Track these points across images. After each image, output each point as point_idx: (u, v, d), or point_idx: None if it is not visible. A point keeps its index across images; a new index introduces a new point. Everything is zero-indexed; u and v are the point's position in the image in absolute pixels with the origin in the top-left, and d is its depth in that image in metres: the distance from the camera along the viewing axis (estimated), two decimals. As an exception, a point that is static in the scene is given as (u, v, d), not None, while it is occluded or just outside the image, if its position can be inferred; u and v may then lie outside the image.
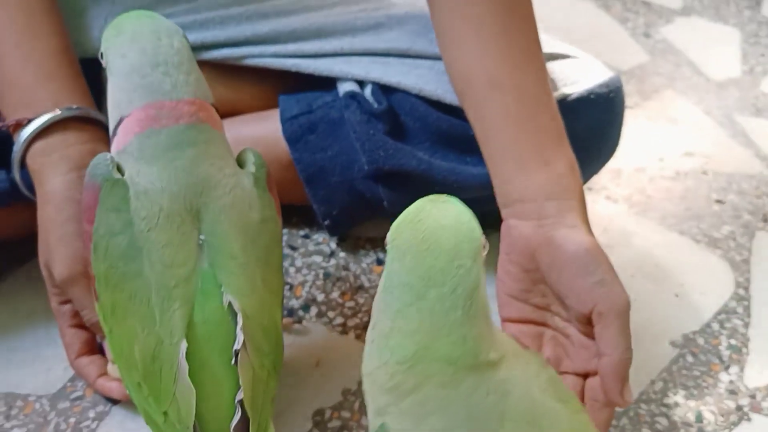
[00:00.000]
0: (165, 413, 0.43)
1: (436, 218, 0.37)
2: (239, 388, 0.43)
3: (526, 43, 0.54)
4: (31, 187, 0.55)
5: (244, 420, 0.43)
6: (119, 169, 0.46)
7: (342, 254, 0.66)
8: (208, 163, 0.46)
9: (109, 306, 0.45)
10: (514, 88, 0.52)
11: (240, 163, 0.49)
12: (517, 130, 0.52)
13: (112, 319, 0.45)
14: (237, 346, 0.43)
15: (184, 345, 0.43)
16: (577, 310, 0.47)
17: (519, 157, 0.51)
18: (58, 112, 0.54)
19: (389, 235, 0.38)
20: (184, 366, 0.42)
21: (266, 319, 0.46)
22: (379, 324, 0.37)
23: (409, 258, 0.36)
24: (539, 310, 0.51)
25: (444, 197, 0.39)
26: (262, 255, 0.47)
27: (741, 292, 0.67)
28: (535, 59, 0.54)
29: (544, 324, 0.51)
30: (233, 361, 0.43)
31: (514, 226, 0.51)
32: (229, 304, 0.44)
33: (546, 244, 0.48)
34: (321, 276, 0.64)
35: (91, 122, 0.55)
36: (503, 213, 0.53)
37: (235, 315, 0.44)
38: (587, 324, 0.48)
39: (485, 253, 0.38)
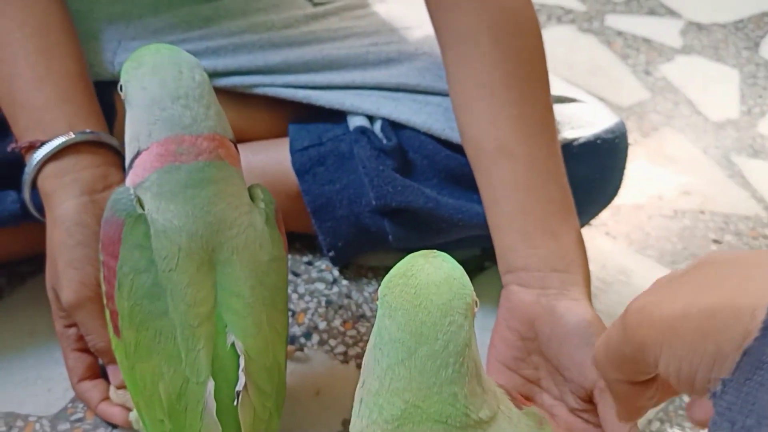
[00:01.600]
0: None
1: (428, 274, 0.37)
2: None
3: (538, 112, 0.55)
4: (40, 209, 0.56)
5: None
6: (140, 204, 0.46)
7: (344, 282, 0.67)
8: (225, 202, 0.46)
9: (132, 343, 0.45)
10: (524, 157, 0.53)
11: (250, 198, 0.49)
12: (524, 200, 0.52)
13: (135, 356, 0.45)
14: (239, 387, 0.44)
15: (211, 384, 0.44)
16: (578, 383, 0.47)
17: (525, 227, 0.51)
18: (72, 135, 0.54)
19: (380, 291, 0.38)
20: (212, 404, 0.43)
21: (270, 359, 0.46)
22: (368, 381, 0.37)
23: (400, 314, 0.36)
24: (529, 384, 0.50)
25: (435, 253, 0.38)
26: (269, 295, 0.47)
27: (736, 332, 0.68)
28: (547, 129, 0.55)
29: (531, 399, 0.50)
30: (235, 402, 0.44)
31: (515, 292, 0.51)
32: (233, 344, 0.45)
33: (547, 313, 0.48)
34: (323, 303, 0.65)
35: (103, 146, 0.56)
36: (504, 279, 0.53)
37: (238, 356, 0.44)
38: (585, 399, 0.47)
39: (476, 310, 0.38)
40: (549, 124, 0.55)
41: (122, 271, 0.45)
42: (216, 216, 0.46)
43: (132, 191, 0.46)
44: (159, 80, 0.46)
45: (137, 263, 0.45)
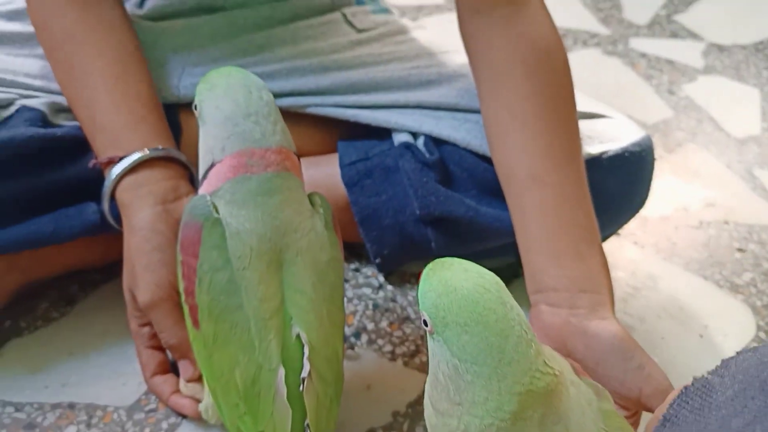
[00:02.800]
0: (261, 431, 0.48)
1: (464, 281, 0.39)
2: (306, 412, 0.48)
3: (567, 142, 0.59)
4: (117, 219, 0.61)
5: None
6: (215, 209, 0.51)
7: (389, 287, 0.72)
8: (291, 208, 0.51)
9: (211, 335, 0.50)
10: (553, 185, 0.56)
11: (310, 204, 0.54)
12: (554, 225, 0.56)
13: (213, 346, 0.50)
14: (304, 374, 0.48)
15: (281, 371, 0.48)
16: (622, 394, 0.50)
17: (555, 250, 0.55)
18: (146, 151, 0.60)
19: (437, 316, 0.39)
20: (283, 389, 0.48)
21: (330, 350, 0.51)
22: (467, 396, 0.39)
23: (474, 325, 0.38)
24: None
25: (448, 262, 0.41)
26: (328, 292, 0.52)
27: (762, 335, 0.71)
28: (575, 158, 0.59)
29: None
30: (300, 388, 0.48)
31: (544, 312, 0.54)
32: (297, 335, 0.49)
33: (580, 333, 0.51)
34: (370, 306, 0.70)
35: (173, 161, 0.61)
36: (532, 299, 0.56)
37: (303, 346, 0.49)
38: (630, 408, 0.51)
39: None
40: (576, 153, 0.59)
41: (202, 269, 0.50)
42: (282, 221, 0.51)
43: (208, 198, 0.51)
44: (231, 100, 0.52)
45: (215, 262, 0.50)
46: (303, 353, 0.49)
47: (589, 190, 0.59)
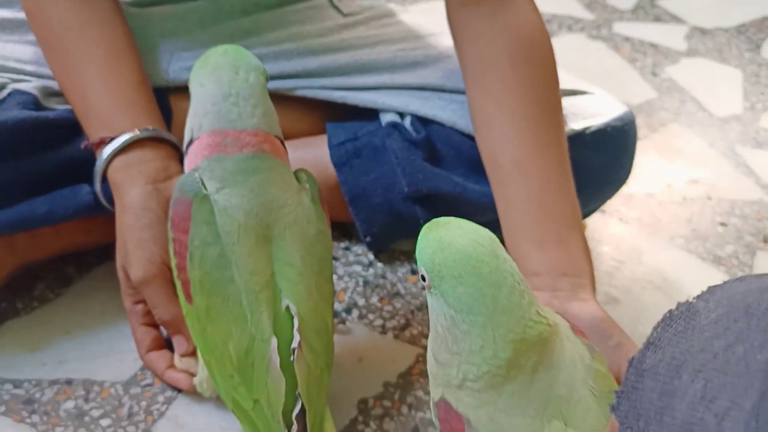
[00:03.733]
0: (256, 401, 0.49)
1: (458, 237, 0.41)
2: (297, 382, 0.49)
3: (552, 131, 0.60)
4: (110, 199, 0.62)
5: (303, 410, 0.49)
6: (204, 186, 0.52)
7: (379, 264, 0.73)
8: (276, 186, 0.52)
9: (203, 308, 0.51)
10: (538, 173, 0.58)
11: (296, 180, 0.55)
12: (538, 213, 0.57)
13: (206, 319, 0.51)
14: (294, 344, 0.49)
15: (274, 341, 0.49)
16: None
17: (538, 237, 0.56)
18: (137, 132, 0.61)
19: (429, 269, 0.41)
20: (276, 359, 0.49)
21: (319, 321, 0.52)
22: (463, 345, 0.40)
23: (468, 277, 0.40)
24: None
25: (444, 220, 0.43)
26: (317, 264, 0.53)
27: (743, 304, 0.73)
28: (559, 148, 0.60)
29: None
30: (291, 358, 0.49)
31: None
32: (287, 307, 0.50)
33: (561, 314, 0.51)
34: (361, 283, 0.71)
35: (164, 142, 0.63)
36: None
37: (292, 318, 0.50)
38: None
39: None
40: (560, 142, 0.60)
41: (193, 244, 0.51)
42: (267, 197, 0.52)
43: (197, 175, 0.52)
44: (216, 79, 0.53)
45: (205, 237, 0.51)
46: (293, 325, 0.50)
47: (572, 173, 0.60)
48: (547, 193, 0.57)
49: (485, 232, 0.42)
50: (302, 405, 0.49)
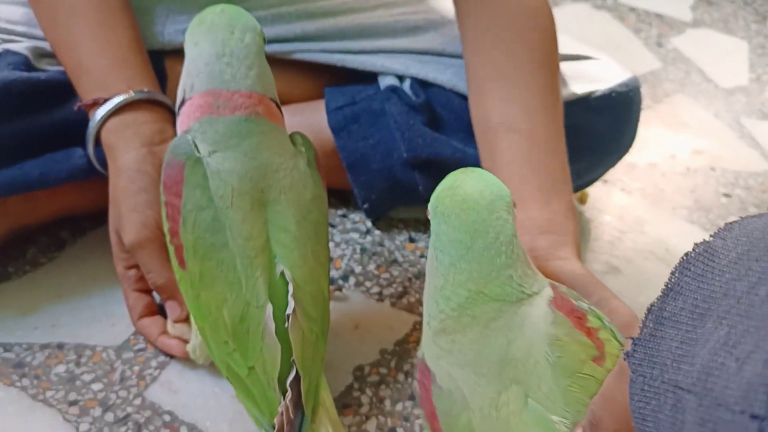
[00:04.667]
0: (251, 368, 0.48)
1: (471, 184, 0.42)
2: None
3: (546, 95, 0.59)
4: (103, 163, 0.61)
5: (297, 377, 0.48)
6: (197, 149, 0.50)
7: (377, 232, 0.72)
8: (270, 150, 0.51)
9: (197, 273, 0.49)
10: (525, 132, 0.57)
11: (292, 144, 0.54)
12: (522, 171, 0.55)
13: (200, 284, 0.50)
14: (288, 311, 0.48)
15: (269, 307, 0.48)
16: None
17: (520, 194, 0.54)
18: (131, 93, 0.59)
19: (431, 204, 0.43)
20: (271, 325, 0.48)
21: (315, 287, 0.51)
22: (433, 281, 0.42)
23: (453, 218, 0.41)
24: None
25: (472, 168, 0.44)
26: (312, 229, 0.52)
27: (746, 276, 0.72)
28: (552, 110, 0.58)
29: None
30: (285, 324, 0.48)
31: None
32: (282, 273, 0.49)
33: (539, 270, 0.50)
34: (358, 251, 0.70)
35: (158, 104, 0.61)
36: None
37: (287, 283, 0.49)
38: None
39: (519, 214, 0.43)
40: (553, 107, 0.59)
41: (186, 208, 0.50)
42: (262, 161, 0.50)
43: (189, 138, 0.51)
44: (211, 38, 0.51)
45: (199, 201, 0.49)
46: (288, 291, 0.49)
47: (565, 137, 0.58)
48: (533, 150, 0.56)
49: (501, 190, 0.42)
50: (297, 372, 0.48)
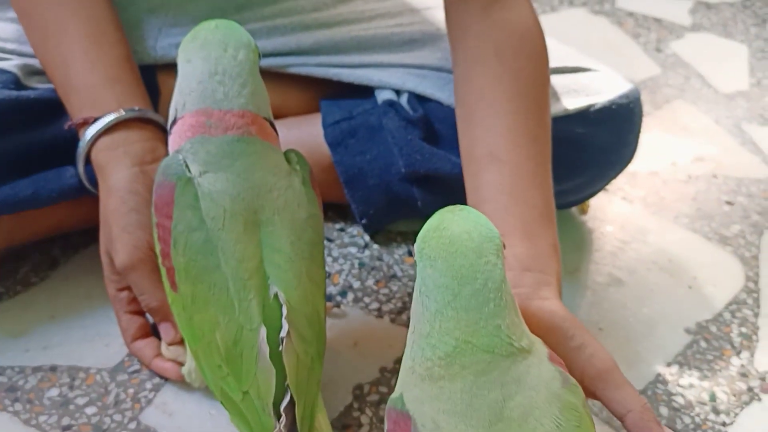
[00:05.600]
0: (245, 392, 0.47)
1: (458, 225, 0.40)
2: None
3: (533, 123, 0.57)
4: (94, 183, 0.60)
5: (292, 401, 0.46)
6: (188, 169, 0.49)
7: (375, 246, 0.71)
8: (263, 170, 0.49)
9: (189, 296, 0.48)
10: (510, 163, 0.55)
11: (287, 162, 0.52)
12: (506, 203, 0.54)
13: (192, 307, 0.48)
14: (283, 333, 0.47)
15: (263, 330, 0.47)
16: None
17: (504, 228, 0.52)
18: (122, 112, 0.58)
19: (417, 245, 0.41)
20: (265, 349, 0.46)
21: (310, 309, 0.49)
22: (418, 326, 0.40)
23: (440, 262, 0.39)
24: None
25: (460, 207, 0.42)
26: (307, 249, 0.50)
27: (751, 285, 0.71)
28: (538, 141, 0.57)
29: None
30: (279, 348, 0.47)
31: None
32: (275, 295, 0.48)
33: (522, 311, 0.47)
34: (356, 265, 0.69)
35: (150, 123, 0.60)
36: None
37: (281, 305, 0.47)
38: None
39: (505, 251, 0.41)
40: (541, 137, 0.57)
41: (177, 230, 0.48)
42: (255, 182, 0.49)
43: (181, 157, 0.50)
44: (204, 55, 0.50)
45: (190, 222, 0.48)
46: (282, 313, 0.47)
47: (551, 173, 0.57)
48: (519, 182, 0.54)
49: (490, 231, 0.40)
50: (291, 396, 0.46)
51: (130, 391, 0.57)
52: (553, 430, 0.38)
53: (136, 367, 0.59)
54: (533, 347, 0.40)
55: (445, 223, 0.40)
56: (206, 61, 0.49)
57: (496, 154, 0.55)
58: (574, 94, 0.69)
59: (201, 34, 0.51)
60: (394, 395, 0.42)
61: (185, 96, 0.50)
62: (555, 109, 0.67)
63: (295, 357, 0.47)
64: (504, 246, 0.41)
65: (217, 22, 0.51)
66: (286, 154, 0.53)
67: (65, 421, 0.55)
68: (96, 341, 0.61)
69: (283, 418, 0.46)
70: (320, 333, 0.51)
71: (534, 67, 0.59)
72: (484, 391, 0.38)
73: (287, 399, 0.46)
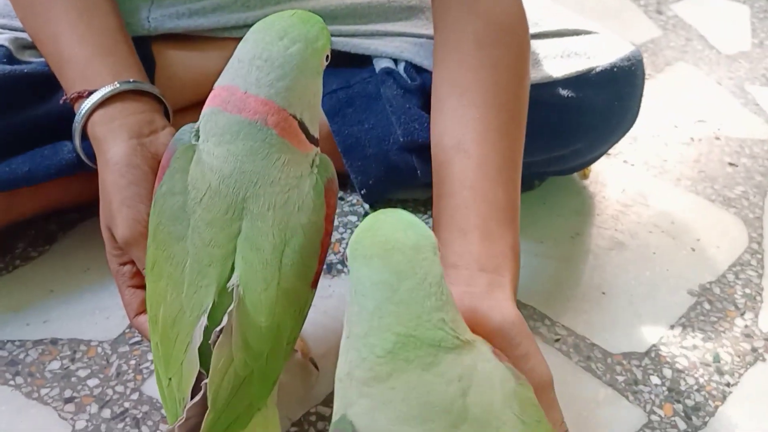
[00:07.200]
0: (170, 379, 0.44)
1: (392, 225, 0.39)
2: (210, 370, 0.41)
3: (506, 116, 0.55)
4: (92, 157, 0.60)
5: (205, 406, 0.41)
6: (197, 137, 0.47)
7: (376, 215, 0.71)
8: (267, 160, 0.45)
9: (151, 261, 0.46)
10: (477, 157, 0.53)
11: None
12: (468, 199, 0.52)
13: (150, 275, 0.46)
14: (218, 328, 0.42)
15: (203, 321, 0.43)
16: None
17: (463, 225, 0.51)
18: (117, 84, 0.57)
19: (350, 249, 0.39)
20: (197, 341, 0.42)
21: (270, 322, 0.44)
22: (354, 330, 0.38)
23: (376, 260, 0.38)
24: None
25: (392, 209, 0.40)
26: (292, 257, 0.45)
27: (755, 246, 0.70)
28: (511, 134, 0.55)
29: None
30: (210, 340, 0.42)
31: None
32: (231, 289, 0.43)
33: (470, 312, 0.46)
34: (357, 235, 0.69)
35: (146, 95, 0.59)
36: None
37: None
38: None
39: (447, 250, 0.40)
40: (511, 132, 0.56)
41: (160, 191, 0.47)
42: (254, 169, 0.45)
43: (195, 126, 0.48)
44: (258, 38, 0.47)
45: (174, 185, 0.46)
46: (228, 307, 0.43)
47: (520, 170, 0.55)
48: (483, 178, 0.52)
49: (425, 231, 0.39)
50: (205, 399, 0.41)
51: (132, 362, 0.57)
52: (518, 425, 0.37)
53: (138, 338, 0.59)
54: (476, 342, 0.39)
55: (378, 225, 0.39)
56: (256, 44, 0.46)
57: (463, 147, 0.54)
58: (575, 57, 0.67)
59: (272, 18, 0.48)
60: (335, 419, 0.38)
61: (225, 71, 0.48)
62: (553, 73, 0.66)
63: (226, 360, 0.42)
64: (438, 246, 0.40)
65: (297, 12, 0.48)
66: (313, 158, 0.48)
67: (67, 393, 0.55)
68: (96, 314, 0.61)
69: (182, 417, 0.41)
70: (277, 352, 0.45)
71: (514, 58, 0.57)
72: (438, 386, 0.36)
73: (196, 399, 0.41)
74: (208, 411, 0.41)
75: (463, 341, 0.38)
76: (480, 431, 0.36)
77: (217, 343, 0.42)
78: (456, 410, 0.36)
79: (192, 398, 0.42)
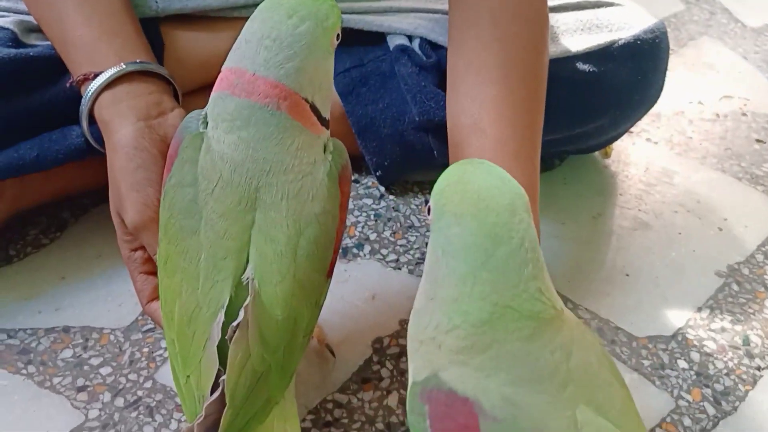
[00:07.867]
0: (188, 376, 0.43)
1: (483, 179, 0.36)
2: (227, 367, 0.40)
3: (522, 94, 0.54)
4: (100, 141, 0.58)
5: (223, 403, 0.40)
6: (206, 124, 0.45)
7: (391, 197, 0.69)
8: (280, 147, 0.44)
9: (163, 256, 0.44)
10: (494, 137, 0.52)
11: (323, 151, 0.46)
12: None
13: (163, 270, 0.45)
14: (235, 323, 0.41)
15: (220, 317, 0.41)
16: None
17: None
18: (123, 66, 0.56)
19: (436, 201, 0.37)
20: (215, 337, 0.41)
21: (285, 314, 0.43)
22: (441, 291, 0.36)
23: (468, 219, 0.35)
24: None
25: (479, 160, 0.38)
26: (307, 248, 0.43)
27: (784, 225, 0.68)
28: (529, 113, 0.54)
29: None
30: (226, 336, 0.41)
31: None
32: (247, 282, 0.42)
33: None
34: (372, 217, 0.67)
35: (154, 75, 0.58)
36: None
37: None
38: None
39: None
40: (530, 110, 0.54)
41: (169, 183, 0.45)
42: (267, 157, 0.43)
43: (204, 112, 0.46)
44: (266, 17, 0.45)
45: (184, 177, 0.44)
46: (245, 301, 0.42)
47: (539, 149, 0.53)
48: (500, 158, 0.51)
49: (516, 187, 0.36)
50: (223, 396, 0.40)
51: (145, 350, 0.56)
52: (614, 384, 0.36)
53: (151, 325, 0.58)
54: (564, 309, 0.38)
55: (467, 177, 0.36)
56: (264, 23, 0.44)
57: (480, 126, 0.52)
58: (596, 30, 0.65)
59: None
60: (424, 376, 0.37)
61: (232, 52, 0.46)
62: (573, 48, 0.63)
63: (243, 356, 0.41)
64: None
65: None
66: (326, 143, 0.46)
67: (80, 382, 0.54)
68: (108, 301, 0.59)
69: (201, 415, 0.40)
70: (293, 346, 0.43)
71: (531, 33, 0.55)
72: (545, 354, 0.35)
73: (215, 395, 0.40)
74: (226, 408, 0.40)
75: (558, 311, 0.36)
76: (585, 390, 0.35)
77: (233, 339, 0.41)
78: (562, 373, 0.35)
79: (210, 395, 0.40)
